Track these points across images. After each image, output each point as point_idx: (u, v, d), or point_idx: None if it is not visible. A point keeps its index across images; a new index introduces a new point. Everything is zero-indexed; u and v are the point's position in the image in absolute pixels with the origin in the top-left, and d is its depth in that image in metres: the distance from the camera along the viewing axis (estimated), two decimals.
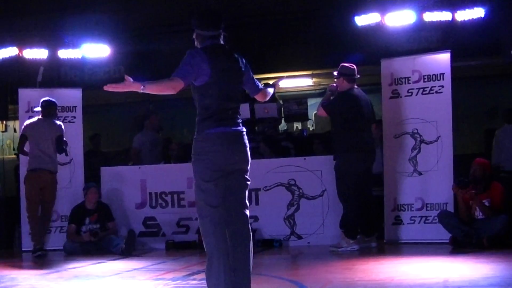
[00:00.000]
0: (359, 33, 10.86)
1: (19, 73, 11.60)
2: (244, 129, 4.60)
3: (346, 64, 8.30)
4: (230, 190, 4.52)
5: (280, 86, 5.28)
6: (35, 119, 9.21)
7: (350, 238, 8.10)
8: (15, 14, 12.48)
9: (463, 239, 7.76)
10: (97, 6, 12.39)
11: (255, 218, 9.01)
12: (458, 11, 10.04)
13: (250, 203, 4.82)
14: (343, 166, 8.11)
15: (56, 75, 12.67)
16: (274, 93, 5.11)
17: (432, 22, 10.25)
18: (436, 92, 8.75)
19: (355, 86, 8.30)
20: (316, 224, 8.99)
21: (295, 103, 11.47)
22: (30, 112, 9.81)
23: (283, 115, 11.50)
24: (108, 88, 4.25)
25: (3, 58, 11.09)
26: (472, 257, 6.84)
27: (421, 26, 10.61)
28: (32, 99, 9.88)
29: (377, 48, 10.80)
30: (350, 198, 8.08)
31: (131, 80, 4.25)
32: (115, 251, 8.83)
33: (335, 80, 8.35)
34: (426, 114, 8.75)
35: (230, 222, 4.47)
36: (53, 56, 11.10)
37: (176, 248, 9.23)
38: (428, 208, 8.65)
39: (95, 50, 11.31)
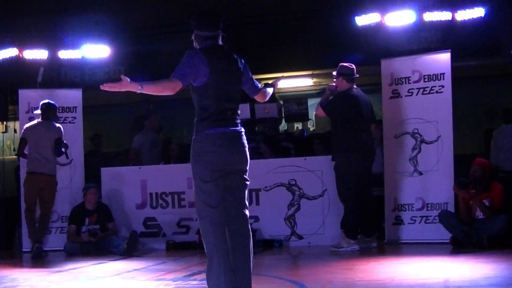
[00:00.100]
0: (359, 33, 10.86)
1: (19, 74, 11.57)
2: (243, 130, 4.60)
3: (345, 64, 8.30)
4: (229, 190, 4.52)
5: (280, 86, 5.27)
6: (34, 122, 9.22)
7: (350, 238, 8.09)
8: (15, 14, 12.47)
9: (463, 239, 7.75)
10: (97, 6, 12.38)
11: (255, 218, 9.02)
12: (458, 11, 10.02)
13: (250, 204, 4.83)
14: (342, 166, 8.11)
15: (56, 75, 12.66)
16: (273, 93, 5.11)
17: (432, 22, 10.23)
18: (436, 92, 8.75)
19: (354, 86, 8.29)
20: (317, 224, 8.98)
21: (295, 103, 11.45)
22: (30, 113, 9.83)
23: (283, 115, 11.50)
24: (105, 87, 4.23)
25: (3, 59, 11.06)
26: (472, 257, 6.84)
27: (421, 26, 10.59)
28: (32, 100, 9.90)
29: (377, 48, 10.79)
30: (350, 198, 8.08)
31: (128, 80, 4.23)
32: (115, 252, 8.83)
33: (334, 80, 8.35)
34: (426, 114, 8.76)
35: (230, 222, 4.47)
36: (53, 57, 11.08)
37: (177, 248, 9.23)
38: (429, 208, 8.65)
39: (95, 51, 11.30)
